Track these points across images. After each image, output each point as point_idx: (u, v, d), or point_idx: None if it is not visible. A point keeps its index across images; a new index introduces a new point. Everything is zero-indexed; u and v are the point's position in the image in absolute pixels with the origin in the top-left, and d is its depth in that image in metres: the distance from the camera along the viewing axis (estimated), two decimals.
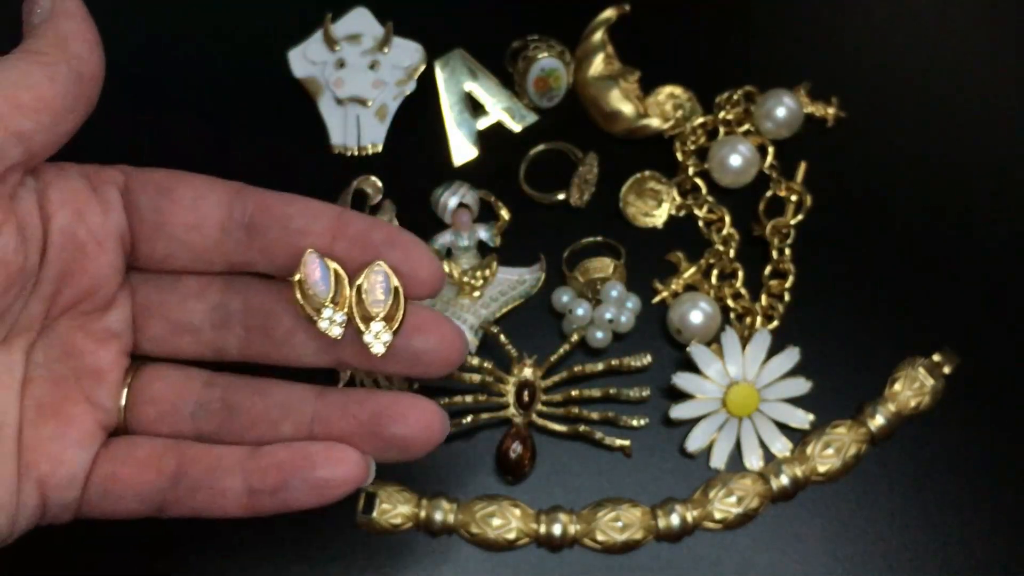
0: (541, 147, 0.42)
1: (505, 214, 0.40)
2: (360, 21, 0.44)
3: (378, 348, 0.29)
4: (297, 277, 0.29)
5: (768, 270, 0.40)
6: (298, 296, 0.29)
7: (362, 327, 0.29)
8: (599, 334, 0.38)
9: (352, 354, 0.30)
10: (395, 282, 0.29)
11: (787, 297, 0.40)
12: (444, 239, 0.40)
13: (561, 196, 0.41)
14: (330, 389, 0.30)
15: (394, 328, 0.29)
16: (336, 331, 0.29)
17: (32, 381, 0.29)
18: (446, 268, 0.39)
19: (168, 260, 0.30)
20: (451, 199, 0.40)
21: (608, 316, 0.38)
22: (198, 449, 0.30)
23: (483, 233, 0.40)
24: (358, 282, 0.29)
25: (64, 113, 0.28)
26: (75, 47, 0.28)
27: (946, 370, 0.38)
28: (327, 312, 0.29)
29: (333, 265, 0.29)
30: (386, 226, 0.29)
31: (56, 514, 0.29)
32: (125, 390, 0.31)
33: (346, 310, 0.29)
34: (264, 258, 0.30)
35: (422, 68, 0.43)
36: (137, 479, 0.29)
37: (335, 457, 0.29)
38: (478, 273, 0.39)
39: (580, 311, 0.38)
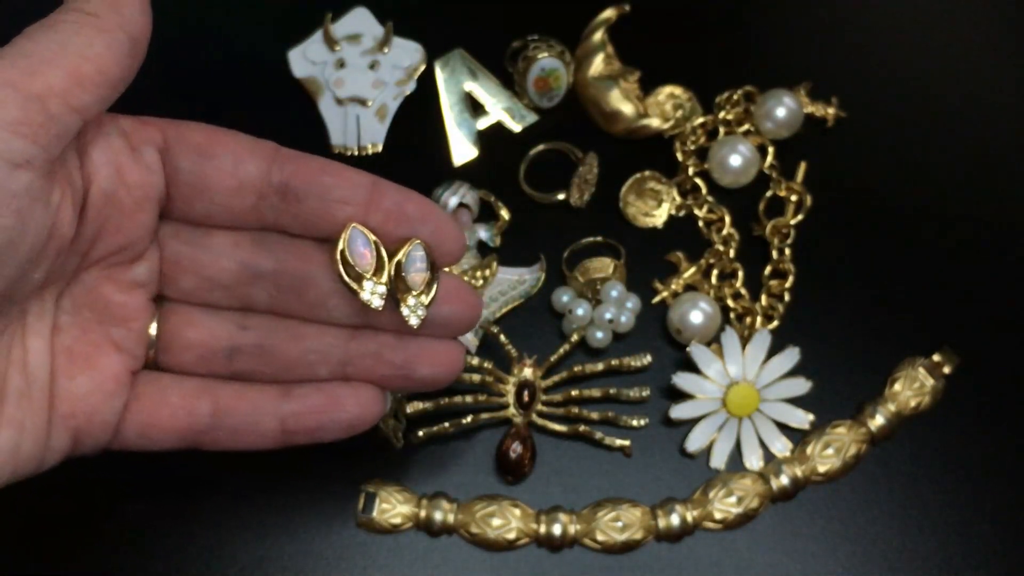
0: (541, 147, 0.42)
1: (505, 214, 0.40)
2: (360, 21, 0.44)
3: (415, 321, 0.30)
4: (340, 248, 0.29)
5: (768, 270, 0.40)
6: (340, 267, 0.30)
7: (401, 300, 0.30)
8: (599, 334, 0.38)
9: (386, 321, 0.31)
10: (431, 258, 0.30)
11: (787, 297, 0.40)
12: None
13: (561, 196, 0.41)
14: (361, 332, 0.31)
15: (428, 303, 0.30)
16: (377, 303, 0.30)
17: (61, 329, 0.29)
18: (446, 268, 0.39)
19: (204, 219, 0.30)
20: (451, 199, 0.40)
21: (608, 316, 0.38)
22: (232, 392, 0.31)
23: (483, 233, 0.40)
24: (398, 258, 0.30)
25: (119, 84, 0.27)
26: (128, 9, 0.27)
27: (946, 370, 0.38)
28: (368, 284, 0.30)
29: (373, 238, 0.30)
30: (418, 199, 0.31)
31: (88, 451, 0.30)
32: (154, 334, 0.31)
33: (386, 282, 0.30)
34: (299, 224, 0.30)
35: (422, 68, 0.43)
36: (171, 423, 0.30)
37: (363, 399, 0.31)
38: (478, 273, 0.39)
39: (580, 311, 0.38)
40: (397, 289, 0.30)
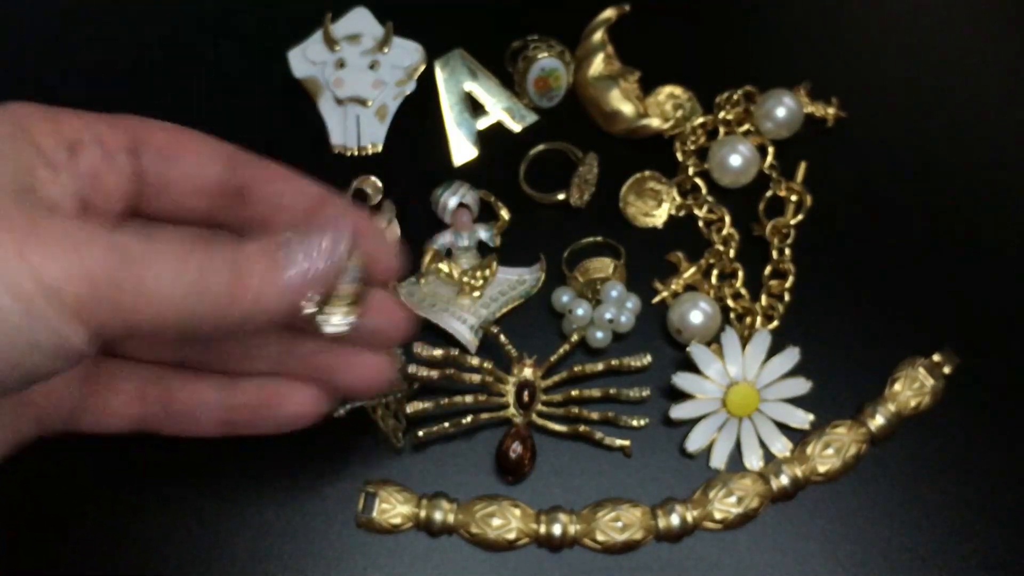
0: (541, 147, 0.42)
1: (505, 214, 0.40)
2: (360, 21, 0.44)
3: (329, 329, 0.29)
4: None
5: (768, 270, 0.40)
6: None
7: (330, 306, 0.29)
8: (599, 334, 0.38)
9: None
10: (364, 273, 0.30)
11: (787, 297, 0.40)
12: (444, 239, 0.40)
13: (561, 196, 0.41)
14: (300, 334, 0.32)
15: (354, 314, 0.30)
16: (309, 308, 0.29)
17: None
18: (446, 268, 0.39)
19: (158, 215, 0.31)
20: (451, 199, 0.40)
21: (608, 316, 0.38)
22: (180, 381, 0.32)
23: (483, 233, 0.40)
24: None
25: None
26: None
27: (946, 370, 0.38)
28: None
29: None
30: (358, 216, 0.32)
31: (47, 435, 0.31)
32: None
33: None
34: (242, 224, 0.31)
35: (422, 68, 0.43)
36: (125, 409, 0.32)
37: (302, 398, 0.32)
38: (478, 273, 0.39)
39: (580, 311, 0.38)
40: (331, 296, 0.29)
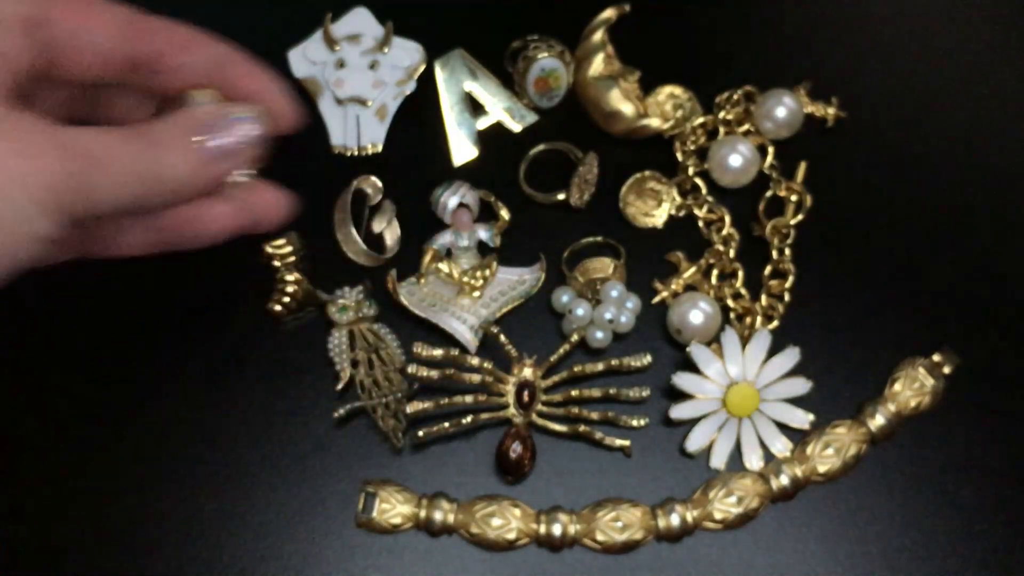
0: (541, 147, 0.42)
1: (505, 214, 0.40)
2: (360, 21, 0.44)
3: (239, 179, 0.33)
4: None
5: (768, 270, 0.40)
6: None
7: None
8: (599, 334, 0.38)
9: None
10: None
11: (787, 297, 0.40)
12: (444, 239, 0.40)
13: (561, 196, 0.41)
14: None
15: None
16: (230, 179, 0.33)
17: None
18: (446, 268, 0.39)
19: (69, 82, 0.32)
20: (451, 199, 0.40)
21: (608, 316, 0.38)
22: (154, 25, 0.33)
23: (483, 233, 0.40)
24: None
25: None
26: None
27: (946, 370, 0.38)
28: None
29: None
30: (261, 76, 0.34)
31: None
32: None
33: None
34: (154, 90, 0.33)
35: (422, 68, 0.43)
36: (98, 28, 0.31)
37: (219, 212, 0.33)
38: (478, 273, 0.39)
39: (580, 311, 0.38)
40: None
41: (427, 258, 0.39)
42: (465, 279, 0.39)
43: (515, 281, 0.40)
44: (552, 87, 0.42)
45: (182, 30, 0.33)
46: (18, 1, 0.30)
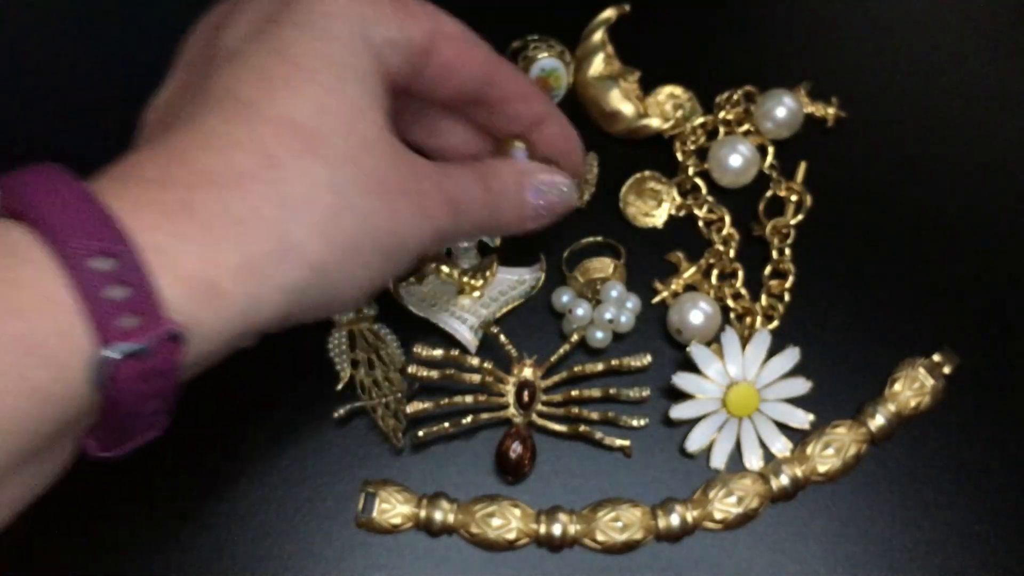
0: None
1: None
2: None
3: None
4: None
5: (768, 270, 0.40)
6: None
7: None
8: (599, 334, 0.38)
9: None
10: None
11: (787, 297, 0.40)
12: None
13: None
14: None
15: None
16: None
17: None
18: (446, 269, 0.39)
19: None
20: None
21: (608, 316, 0.38)
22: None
23: None
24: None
25: None
26: None
27: (946, 370, 0.38)
28: None
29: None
30: (571, 137, 0.36)
31: None
32: None
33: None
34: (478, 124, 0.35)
35: None
36: (468, 66, 0.32)
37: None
38: (478, 273, 0.39)
39: (580, 311, 0.38)
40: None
41: (427, 259, 0.39)
42: (465, 279, 0.39)
43: (515, 281, 0.40)
44: (552, 87, 0.42)
45: (523, 80, 0.35)
46: (414, 27, 0.30)
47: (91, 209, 0.23)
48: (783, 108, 0.42)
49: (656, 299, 0.40)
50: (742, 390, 0.37)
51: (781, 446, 0.38)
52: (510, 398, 0.37)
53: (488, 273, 0.39)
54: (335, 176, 0.26)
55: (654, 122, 0.42)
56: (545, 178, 0.34)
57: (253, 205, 0.25)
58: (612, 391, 0.38)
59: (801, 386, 0.38)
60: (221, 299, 0.24)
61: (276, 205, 0.25)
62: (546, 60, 0.42)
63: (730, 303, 0.40)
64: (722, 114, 0.43)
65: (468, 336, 0.38)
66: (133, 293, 0.22)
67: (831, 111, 0.43)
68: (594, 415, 0.37)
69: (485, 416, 0.37)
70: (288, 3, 0.28)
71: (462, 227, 0.31)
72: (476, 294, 0.39)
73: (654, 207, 0.42)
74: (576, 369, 0.38)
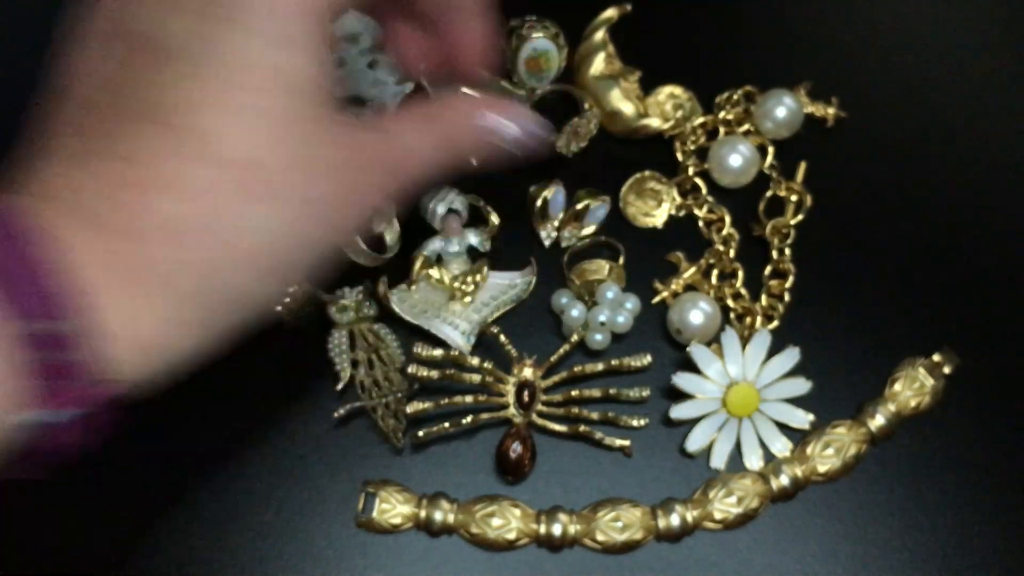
0: (549, 88, 0.42)
1: (495, 219, 0.40)
2: (359, 21, 0.44)
3: None
4: None
5: (768, 270, 0.40)
6: None
7: None
8: (597, 336, 0.38)
9: None
10: None
11: (787, 297, 0.40)
12: (434, 245, 0.40)
13: (550, 138, 0.40)
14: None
15: None
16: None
17: None
18: (436, 274, 0.39)
19: None
20: (439, 206, 0.39)
21: (601, 318, 0.38)
22: None
23: (473, 238, 0.40)
24: None
25: None
26: None
27: (946, 370, 0.38)
28: None
29: None
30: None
31: None
32: None
33: None
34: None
35: None
36: None
37: None
38: (469, 278, 0.39)
39: (575, 312, 0.38)
40: None
41: (417, 265, 0.39)
42: (456, 284, 0.39)
43: (506, 285, 0.40)
44: (543, 68, 0.42)
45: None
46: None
47: (42, 269, 0.22)
48: (783, 108, 0.42)
49: (656, 299, 0.40)
50: (742, 390, 0.37)
51: (781, 446, 0.38)
52: (510, 398, 0.37)
53: (479, 278, 0.39)
54: (278, 220, 0.26)
55: (654, 122, 0.42)
56: (504, 108, 0.32)
57: (189, 257, 0.24)
58: (612, 391, 0.38)
59: (801, 386, 0.38)
60: (151, 352, 0.24)
61: (212, 253, 0.25)
62: (539, 41, 0.41)
63: (730, 303, 0.40)
64: (722, 114, 0.43)
65: (460, 341, 0.38)
66: (68, 356, 0.22)
67: (831, 111, 0.43)
68: (594, 415, 0.37)
69: (485, 416, 0.37)
70: None
71: (415, 178, 0.30)
72: (467, 299, 0.39)
73: (654, 207, 0.42)
74: (576, 369, 0.38)
